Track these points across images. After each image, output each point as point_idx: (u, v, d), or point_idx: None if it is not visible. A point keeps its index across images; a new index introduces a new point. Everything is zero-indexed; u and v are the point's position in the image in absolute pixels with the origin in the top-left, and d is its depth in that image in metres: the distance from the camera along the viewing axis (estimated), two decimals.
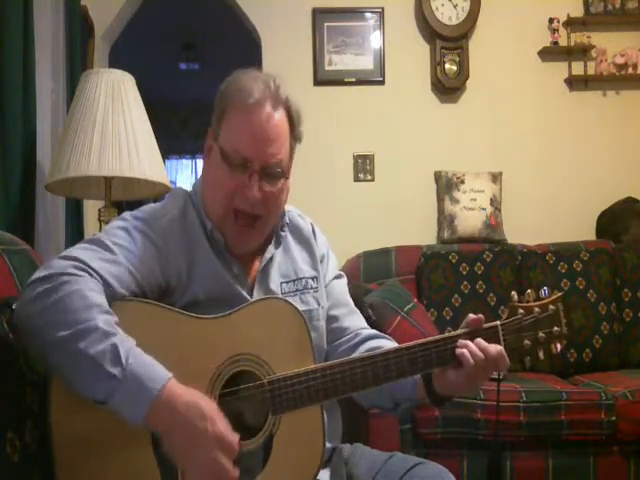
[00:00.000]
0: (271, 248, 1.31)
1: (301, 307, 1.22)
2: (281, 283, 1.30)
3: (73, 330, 1.00)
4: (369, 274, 2.95)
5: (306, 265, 1.35)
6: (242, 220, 1.23)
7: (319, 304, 1.33)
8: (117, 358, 0.99)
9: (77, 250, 1.13)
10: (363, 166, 3.42)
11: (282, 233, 1.33)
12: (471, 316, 1.20)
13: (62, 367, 1.02)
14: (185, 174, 8.02)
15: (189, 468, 1.02)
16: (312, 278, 1.34)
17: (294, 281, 1.32)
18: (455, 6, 3.36)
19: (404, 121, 3.43)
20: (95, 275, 1.08)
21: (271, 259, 1.30)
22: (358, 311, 1.44)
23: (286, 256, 1.34)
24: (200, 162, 7.60)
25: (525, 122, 3.46)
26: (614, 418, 2.28)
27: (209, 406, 1.03)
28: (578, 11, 3.46)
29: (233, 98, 1.23)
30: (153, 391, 0.99)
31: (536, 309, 1.22)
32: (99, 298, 1.05)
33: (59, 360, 1.02)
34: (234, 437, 1.03)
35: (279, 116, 1.23)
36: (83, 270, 1.07)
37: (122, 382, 0.99)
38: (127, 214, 1.24)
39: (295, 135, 1.27)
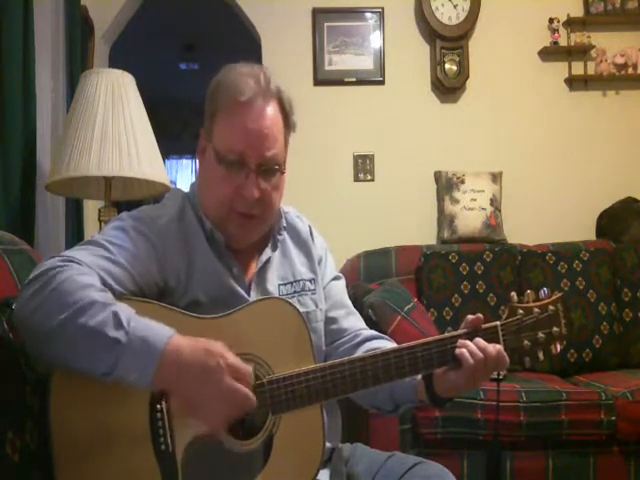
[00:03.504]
0: (268, 250, 1.31)
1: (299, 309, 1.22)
2: (279, 285, 1.30)
3: (71, 310, 1.00)
4: (369, 274, 2.95)
5: (304, 267, 1.35)
6: (242, 219, 1.23)
7: (317, 306, 1.33)
8: (119, 323, 1.01)
9: (72, 251, 1.13)
10: (363, 166, 3.42)
11: (279, 236, 1.33)
12: (470, 317, 1.20)
13: (65, 351, 1.02)
14: (185, 174, 8.02)
15: (208, 407, 1.03)
16: (310, 280, 1.34)
17: (292, 283, 1.32)
18: (455, 6, 3.36)
19: (404, 121, 3.43)
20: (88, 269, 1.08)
21: (268, 261, 1.30)
22: (357, 312, 1.44)
23: (284, 258, 1.33)
24: None
25: (525, 122, 3.46)
26: (614, 418, 2.28)
27: (216, 345, 1.05)
28: (578, 11, 3.46)
29: (224, 97, 1.22)
30: (159, 346, 1.01)
31: (536, 310, 1.22)
32: (92, 279, 1.06)
33: (62, 345, 1.02)
34: (246, 366, 1.06)
35: (271, 110, 1.22)
36: (73, 262, 1.08)
37: (127, 345, 1.00)
38: (124, 214, 1.24)
39: (289, 125, 1.27)
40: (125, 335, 1.00)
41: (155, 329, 1.03)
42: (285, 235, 1.35)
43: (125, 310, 1.03)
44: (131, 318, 1.02)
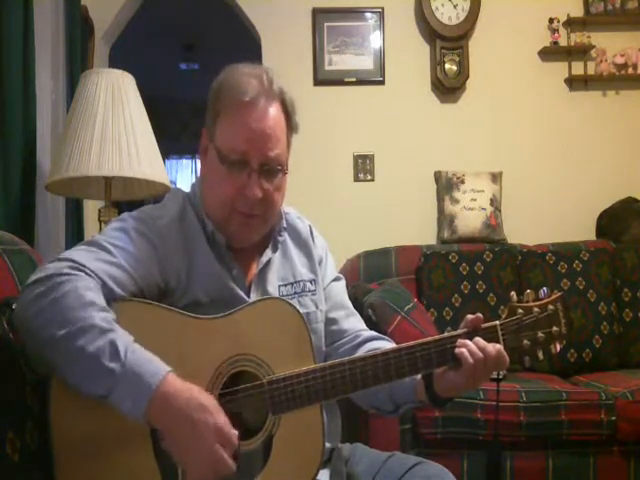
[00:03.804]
0: (268, 252, 1.30)
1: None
2: (279, 286, 1.30)
3: (70, 329, 1.00)
4: (369, 274, 2.95)
5: (304, 268, 1.35)
6: (243, 218, 1.23)
7: (317, 307, 1.33)
8: (115, 353, 1.00)
9: (74, 252, 1.13)
10: (363, 166, 3.42)
11: (280, 237, 1.33)
12: (470, 316, 1.20)
13: (62, 366, 1.02)
14: (185, 174, 8.03)
15: (189, 462, 1.02)
16: (310, 281, 1.34)
17: (292, 284, 1.31)
18: (455, 6, 3.36)
19: (404, 121, 3.43)
20: (92, 275, 1.08)
21: (268, 262, 1.30)
22: (357, 313, 1.44)
23: (284, 259, 1.33)
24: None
25: (525, 122, 3.46)
26: (614, 418, 2.28)
27: (208, 400, 1.03)
28: (578, 11, 3.46)
29: (227, 97, 1.22)
30: (152, 385, 0.99)
31: (535, 309, 1.22)
32: (95, 296, 1.05)
33: (59, 359, 1.02)
34: (233, 430, 1.03)
35: (274, 110, 1.22)
36: (79, 270, 1.07)
37: (121, 377, 0.99)
38: (125, 215, 1.24)
39: (291, 126, 1.27)
40: (120, 367, 0.99)
41: (150, 365, 1.01)
42: (286, 236, 1.35)
43: (123, 338, 1.02)
44: (128, 349, 1.01)
